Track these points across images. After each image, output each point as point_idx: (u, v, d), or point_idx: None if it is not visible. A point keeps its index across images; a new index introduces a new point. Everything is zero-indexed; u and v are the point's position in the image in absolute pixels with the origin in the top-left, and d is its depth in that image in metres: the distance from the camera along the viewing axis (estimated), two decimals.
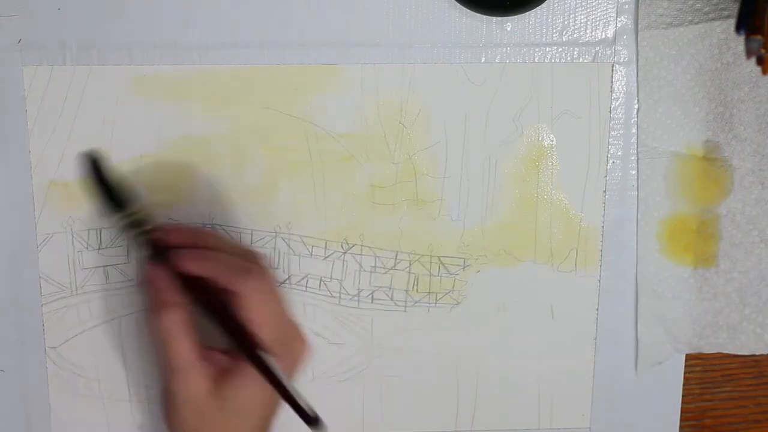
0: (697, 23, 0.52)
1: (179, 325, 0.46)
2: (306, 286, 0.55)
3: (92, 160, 0.50)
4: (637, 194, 0.55)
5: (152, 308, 0.47)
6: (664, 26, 0.52)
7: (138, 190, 0.53)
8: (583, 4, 0.53)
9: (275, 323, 0.47)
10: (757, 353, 0.57)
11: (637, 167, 0.54)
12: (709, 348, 0.57)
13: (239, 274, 0.46)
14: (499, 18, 0.52)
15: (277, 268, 0.54)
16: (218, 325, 0.47)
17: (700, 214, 0.55)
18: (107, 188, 0.50)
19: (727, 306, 0.56)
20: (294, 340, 0.49)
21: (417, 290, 0.55)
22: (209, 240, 0.49)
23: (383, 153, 0.53)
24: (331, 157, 0.53)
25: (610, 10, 0.53)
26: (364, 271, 0.55)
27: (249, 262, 0.47)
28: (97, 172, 0.50)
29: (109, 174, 0.50)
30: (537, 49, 0.53)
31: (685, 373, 0.58)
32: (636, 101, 0.54)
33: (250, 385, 0.46)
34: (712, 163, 0.54)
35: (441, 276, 0.55)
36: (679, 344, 0.56)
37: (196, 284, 0.47)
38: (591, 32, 0.53)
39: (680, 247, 0.55)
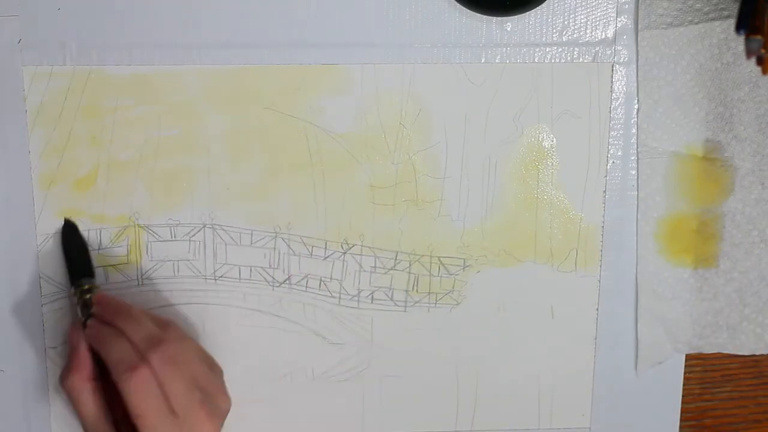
0: (697, 23, 0.52)
1: (83, 390, 0.48)
2: (306, 287, 0.55)
3: (67, 227, 0.53)
4: (637, 194, 0.55)
5: (61, 372, 0.50)
6: (664, 26, 0.52)
7: (138, 189, 0.53)
8: (583, 4, 0.53)
9: (162, 411, 0.46)
10: (757, 353, 0.57)
11: (637, 167, 0.54)
12: (709, 348, 0.57)
13: (122, 372, 0.46)
14: (499, 18, 0.52)
15: (277, 268, 0.54)
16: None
17: (700, 214, 0.55)
18: (73, 256, 0.53)
19: (727, 306, 0.56)
20: (215, 400, 0.49)
21: (417, 290, 0.55)
22: (125, 323, 0.49)
23: (383, 153, 0.53)
24: (331, 157, 0.53)
25: (610, 10, 0.53)
26: (364, 271, 0.55)
27: (140, 348, 0.47)
28: (69, 239, 0.53)
29: (77, 244, 0.53)
30: (537, 49, 0.53)
31: (685, 373, 0.58)
32: (636, 101, 0.54)
33: None
34: (712, 163, 0.54)
35: (441, 276, 0.55)
36: (679, 344, 0.56)
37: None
38: (591, 32, 0.53)
39: (680, 248, 0.55)
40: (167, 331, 0.49)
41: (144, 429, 0.46)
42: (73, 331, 0.50)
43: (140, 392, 0.46)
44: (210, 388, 0.49)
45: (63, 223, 0.53)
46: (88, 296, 0.51)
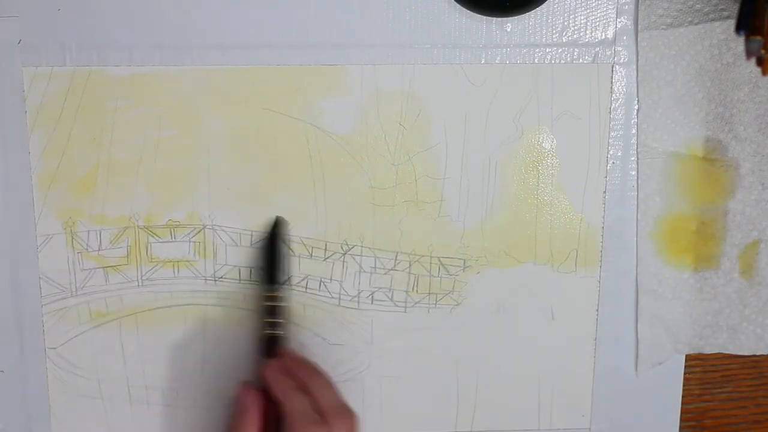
0: (696, 24, 0.52)
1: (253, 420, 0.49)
2: (306, 287, 0.55)
3: (275, 229, 0.53)
4: (637, 195, 0.55)
5: (233, 408, 0.50)
6: (664, 27, 0.52)
7: (138, 190, 0.53)
8: (583, 4, 0.53)
9: None
10: (758, 354, 0.57)
11: (637, 168, 0.54)
12: (710, 348, 0.57)
13: (303, 425, 0.46)
14: (499, 18, 0.52)
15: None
16: None
17: (700, 214, 0.55)
18: (273, 259, 0.53)
19: (727, 306, 0.56)
20: None
21: (417, 291, 0.55)
22: (312, 381, 0.50)
23: (383, 154, 0.53)
24: (331, 158, 0.53)
25: (610, 11, 0.53)
26: (364, 272, 0.55)
27: (329, 414, 0.47)
28: (273, 240, 0.53)
29: (280, 247, 0.53)
30: (537, 50, 0.53)
31: (685, 373, 0.58)
32: (636, 102, 0.54)
33: None
34: (712, 163, 0.54)
35: (441, 277, 0.55)
36: (679, 345, 0.56)
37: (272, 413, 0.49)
38: (591, 33, 0.53)
39: (680, 248, 0.55)
40: (350, 410, 0.49)
41: None
42: (248, 391, 0.50)
43: None
44: None
45: (274, 221, 0.53)
46: (274, 303, 0.52)
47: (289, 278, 0.54)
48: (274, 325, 0.52)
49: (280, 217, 0.53)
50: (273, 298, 0.52)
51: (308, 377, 0.50)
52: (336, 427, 0.47)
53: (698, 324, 0.56)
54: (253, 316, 0.54)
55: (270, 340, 0.52)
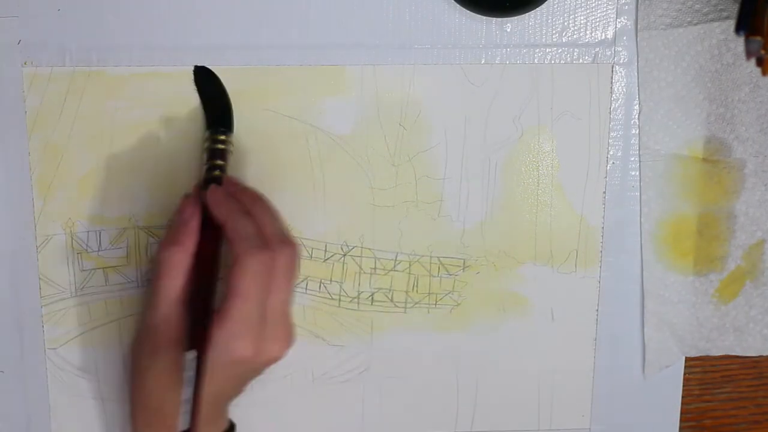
0: (696, 24, 0.52)
1: (177, 264, 0.47)
2: (306, 289, 0.55)
3: (203, 72, 0.51)
4: (640, 197, 0.54)
5: (169, 239, 0.48)
6: (663, 27, 0.52)
7: (138, 190, 0.53)
8: (583, 4, 0.53)
9: (260, 307, 0.46)
10: (765, 354, 0.57)
11: (639, 169, 0.54)
12: (716, 351, 0.57)
13: (248, 248, 0.45)
14: (499, 19, 0.52)
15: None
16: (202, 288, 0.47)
17: (703, 216, 0.55)
18: (217, 105, 0.51)
19: (733, 308, 0.56)
20: (272, 335, 0.47)
21: (417, 291, 0.55)
22: (255, 208, 0.49)
23: (383, 154, 0.53)
24: (331, 158, 0.53)
25: (609, 11, 0.53)
26: (364, 272, 0.55)
27: (273, 240, 0.47)
28: (206, 85, 0.51)
29: (218, 92, 0.51)
30: (537, 50, 0.53)
31: (685, 374, 0.58)
32: (636, 102, 0.54)
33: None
34: (714, 164, 0.54)
35: (441, 277, 0.55)
36: (686, 347, 0.56)
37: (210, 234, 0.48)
38: (591, 33, 0.53)
39: (684, 250, 0.55)
40: (292, 238, 0.48)
41: (234, 312, 0.45)
42: (189, 202, 0.49)
43: (254, 275, 0.45)
44: (291, 316, 0.48)
45: (194, 69, 0.52)
46: (219, 146, 0.50)
47: (231, 124, 0.52)
48: (217, 168, 0.50)
49: (198, 66, 0.52)
50: (216, 141, 0.51)
51: (252, 203, 0.49)
52: (279, 253, 0.46)
53: (704, 326, 0.56)
54: (198, 162, 0.52)
55: (213, 180, 0.50)
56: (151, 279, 0.48)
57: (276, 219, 0.49)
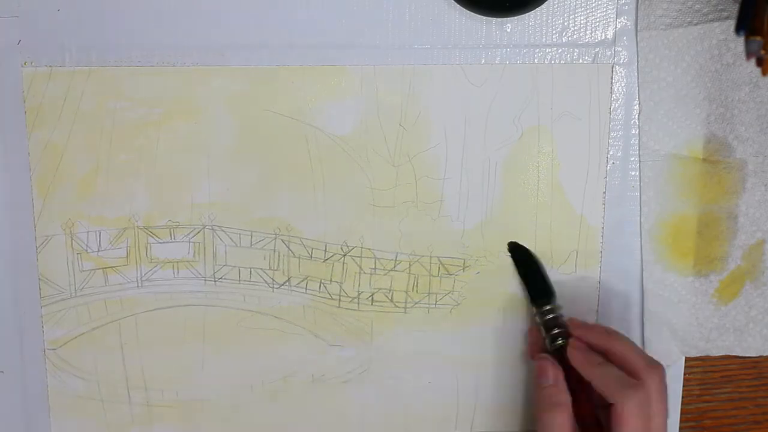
0: (696, 24, 0.52)
1: (566, 427, 0.48)
2: (306, 288, 0.55)
3: (519, 249, 0.54)
4: (640, 197, 0.54)
5: (542, 405, 0.49)
6: (663, 27, 0.52)
7: (138, 190, 0.53)
8: (583, 5, 0.53)
9: None
10: (765, 354, 0.57)
11: (639, 170, 0.54)
12: (716, 351, 0.57)
13: (621, 390, 0.47)
14: (499, 19, 0.52)
15: (277, 270, 0.54)
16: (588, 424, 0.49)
17: (703, 216, 0.55)
18: (534, 278, 0.54)
19: (733, 308, 0.56)
20: None
21: (417, 291, 0.55)
22: (611, 343, 0.50)
23: (383, 155, 0.53)
24: (331, 159, 0.53)
25: (609, 11, 0.53)
26: (364, 273, 0.55)
27: (637, 376, 0.48)
28: (526, 260, 0.54)
29: (537, 264, 0.54)
30: (537, 50, 0.53)
31: (684, 374, 0.58)
32: (636, 102, 0.54)
33: None
34: (714, 164, 0.54)
35: (441, 277, 0.55)
36: (686, 348, 0.56)
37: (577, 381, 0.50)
38: (591, 33, 0.53)
39: (684, 250, 0.55)
40: (656, 361, 0.49)
41: None
42: (548, 365, 0.51)
43: (635, 413, 0.46)
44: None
45: (510, 247, 0.55)
46: (549, 317, 0.53)
47: (552, 292, 0.54)
48: (559, 337, 0.52)
49: (513, 243, 0.55)
50: (547, 313, 0.53)
51: (604, 338, 0.50)
52: (650, 381, 0.47)
53: (704, 327, 0.56)
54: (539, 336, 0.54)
55: (560, 349, 0.52)
56: None
57: (631, 344, 0.50)
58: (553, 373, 0.50)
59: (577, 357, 0.50)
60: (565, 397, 0.49)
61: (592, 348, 0.50)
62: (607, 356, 0.50)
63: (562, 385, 0.50)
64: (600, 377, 0.48)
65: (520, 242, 0.55)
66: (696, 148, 0.54)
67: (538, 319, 0.53)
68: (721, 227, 0.55)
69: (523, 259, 0.55)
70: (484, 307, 0.56)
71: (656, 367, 0.48)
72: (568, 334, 0.52)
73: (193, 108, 0.52)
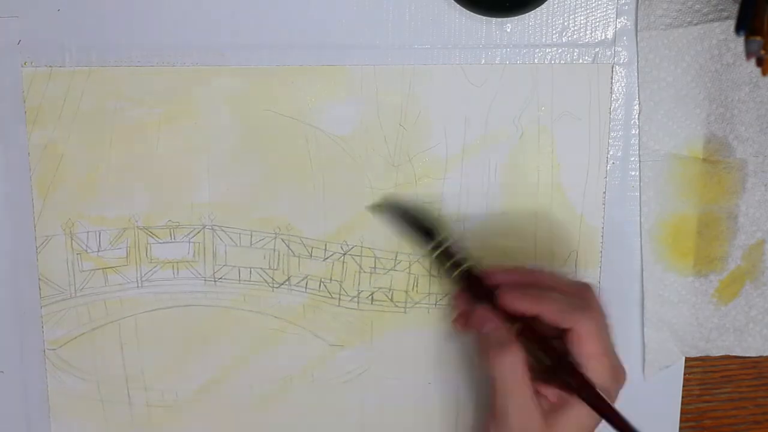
0: (696, 24, 0.52)
1: (517, 366, 0.46)
2: (306, 288, 0.55)
3: (391, 204, 0.53)
4: (640, 197, 0.54)
5: (488, 349, 0.47)
6: (663, 27, 0.52)
7: (138, 190, 0.53)
8: (583, 5, 0.53)
9: (605, 358, 0.47)
10: (765, 354, 0.57)
11: (639, 170, 0.54)
12: (716, 351, 0.57)
13: (573, 312, 0.46)
14: (499, 19, 0.52)
15: (277, 269, 0.54)
16: (546, 360, 0.47)
17: (703, 216, 0.55)
18: (412, 221, 0.52)
19: (733, 308, 0.56)
20: (617, 371, 0.48)
21: (417, 291, 0.55)
22: (536, 277, 0.50)
23: (383, 155, 0.53)
24: (331, 158, 0.53)
25: (609, 11, 0.53)
26: (364, 272, 0.55)
27: (579, 298, 0.48)
28: (398, 210, 0.53)
29: (410, 207, 0.53)
30: (537, 50, 0.53)
31: (685, 374, 0.58)
32: (636, 102, 0.54)
33: (580, 416, 0.47)
34: (714, 164, 0.54)
35: (441, 277, 0.55)
36: (686, 348, 0.56)
37: (522, 322, 0.48)
38: (591, 33, 0.53)
39: (684, 250, 0.55)
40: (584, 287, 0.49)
41: (591, 370, 0.46)
42: (487, 311, 0.48)
43: (595, 330, 0.46)
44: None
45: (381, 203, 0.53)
46: (444, 248, 0.51)
47: (441, 231, 0.52)
48: (461, 262, 0.51)
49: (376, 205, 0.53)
50: (438, 247, 0.51)
51: (530, 276, 0.50)
52: (592, 296, 0.48)
53: (704, 327, 0.56)
54: (438, 276, 0.53)
55: (470, 272, 0.50)
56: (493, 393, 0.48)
57: (555, 273, 0.50)
58: (494, 317, 0.48)
59: (514, 297, 0.48)
60: (510, 336, 0.47)
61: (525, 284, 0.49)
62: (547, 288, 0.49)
63: (504, 326, 0.48)
64: (549, 306, 0.47)
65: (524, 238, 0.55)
66: (696, 148, 0.54)
67: (435, 256, 0.51)
68: (721, 227, 0.55)
69: (395, 214, 0.53)
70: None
71: (587, 286, 0.48)
72: (466, 260, 0.51)
73: (193, 108, 0.52)
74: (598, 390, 0.46)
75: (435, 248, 0.51)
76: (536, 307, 0.47)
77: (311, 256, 0.54)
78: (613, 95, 0.54)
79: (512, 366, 0.46)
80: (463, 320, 0.51)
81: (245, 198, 0.53)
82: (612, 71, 0.53)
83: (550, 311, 0.47)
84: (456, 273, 0.51)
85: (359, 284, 0.55)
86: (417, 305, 0.55)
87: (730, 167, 0.54)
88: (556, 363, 0.47)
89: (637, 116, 0.54)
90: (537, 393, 0.47)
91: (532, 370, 0.47)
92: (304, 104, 0.52)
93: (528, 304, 0.47)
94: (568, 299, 0.47)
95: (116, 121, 0.52)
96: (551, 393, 0.47)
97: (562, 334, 0.47)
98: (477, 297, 0.50)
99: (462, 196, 0.54)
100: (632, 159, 0.54)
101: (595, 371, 0.46)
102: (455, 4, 0.52)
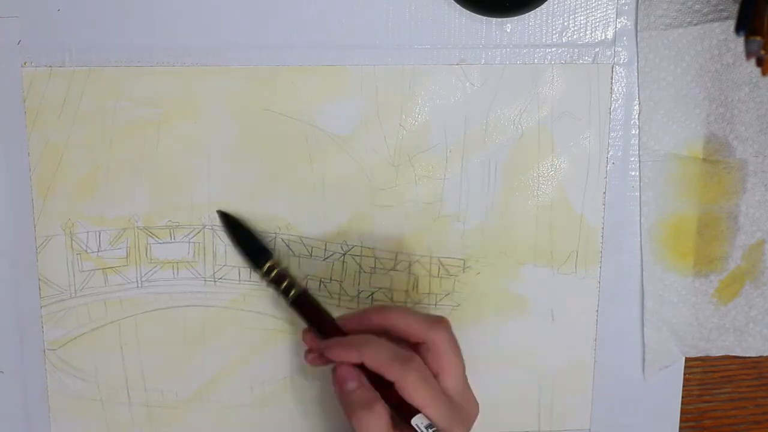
0: (696, 24, 0.52)
1: (382, 425, 0.46)
2: (306, 287, 0.55)
3: (225, 216, 0.53)
4: (639, 197, 0.54)
5: (353, 409, 0.46)
6: (663, 27, 0.52)
7: (138, 190, 0.53)
8: (583, 5, 0.53)
9: (437, 404, 0.46)
10: (765, 354, 0.57)
11: (639, 170, 0.54)
12: (716, 351, 0.57)
13: (393, 364, 0.46)
14: (499, 19, 0.52)
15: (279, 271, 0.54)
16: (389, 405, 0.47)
17: (703, 216, 0.55)
18: (243, 243, 0.53)
19: (733, 308, 0.56)
20: (468, 404, 0.48)
21: (417, 291, 0.55)
22: (389, 318, 0.49)
23: (383, 155, 0.53)
24: (331, 158, 0.53)
25: (609, 12, 0.53)
26: (364, 272, 0.55)
27: (422, 335, 0.47)
28: (232, 227, 0.53)
29: (243, 229, 0.53)
30: (537, 50, 0.53)
31: (685, 374, 0.58)
32: (636, 102, 0.54)
33: None
34: (714, 164, 0.54)
35: (441, 277, 0.55)
36: (686, 348, 0.56)
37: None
38: (591, 33, 0.53)
39: (684, 251, 0.55)
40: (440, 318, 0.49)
41: (432, 415, 0.46)
42: (345, 368, 0.47)
43: (420, 384, 0.45)
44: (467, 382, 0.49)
45: (218, 215, 0.53)
46: (275, 272, 0.51)
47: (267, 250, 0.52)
48: (290, 288, 0.51)
49: (218, 211, 0.53)
50: (270, 271, 0.51)
51: (380, 318, 0.49)
52: (434, 338, 0.47)
53: (704, 327, 0.56)
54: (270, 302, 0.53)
55: (301, 296, 0.51)
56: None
57: (407, 311, 0.49)
58: (356, 375, 0.47)
59: (337, 351, 0.47)
60: (373, 393, 0.46)
61: (373, 331, 0.48)
62: (390, 334, 0.48)
63: (367, 383, 0.47)
64: (371, 359, 0.46)
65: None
66: (696, 148, 0.54)
67: (266, 280, 0.51)
68: (721, 227, 0.55)
69: (233, 227, 0.53)
70: (485, 308, 0.56)
71: (439, 323, 0.48)
72: (299, 285, 0.51)
73: (192, 108, 0.52)
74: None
75: (267, 272, 0.51)
76: (358, 357, 0.47)
77: (311, 256, 0.54)
78: (613, 95, 0.54)
79: (378, 426, 0.46)
80: (313, 357, 0.50)
81: (245, 198, 0.53)
82: (612, 71, 0.53)
83: (373, 364, 0.46)
84: (290, 297, 0.51)
85: (359, 284, 0.55)
86: (417, 305, 0.55)
87: (730, 167, 0.55)
88: (399, 410, 0.47)
89: (637, 116, 0.54)
90: None
91: (393, 417, 0.46)
92: (304, 104, 0.52)
93: (349, 356, 0.47)
94: (393, 350, 0.46)
95: (116, 121, 0.52)
96: None
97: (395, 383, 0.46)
98: (313, 325, 0.50)
99: (462, 196, 0.54)
100: (632, 159, 0.54)
101: (432, 417, 0.46)
102: (455, 4, 0.52)
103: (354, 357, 0.47)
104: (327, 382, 0.56)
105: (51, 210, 0.53)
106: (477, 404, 0.49)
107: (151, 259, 0.54)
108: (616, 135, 0.54)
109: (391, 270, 0.55)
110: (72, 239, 0.53)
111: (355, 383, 0.47)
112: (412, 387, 0.45)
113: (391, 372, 0.46)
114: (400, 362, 0.46)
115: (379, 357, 0.46)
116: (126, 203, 0.53)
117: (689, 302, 0.56)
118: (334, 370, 0.48)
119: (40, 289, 0.54)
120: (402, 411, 0.46)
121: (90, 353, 0.55)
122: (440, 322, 0.48)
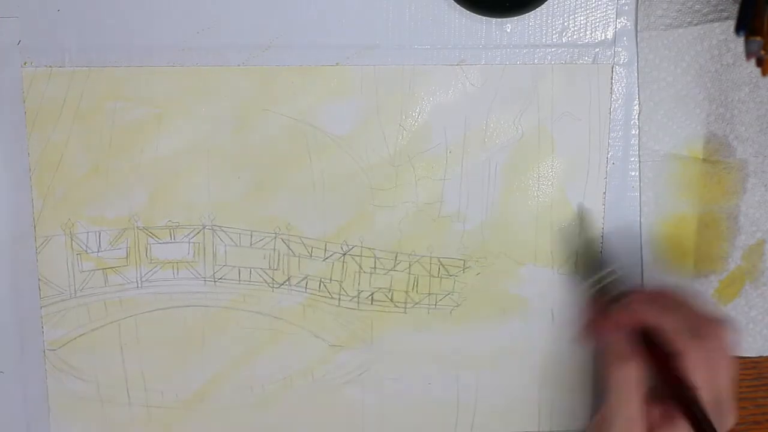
0: (696, 24, 0.52)
1: (633, 380, 0.47)
2: (306, 288, 0.55)
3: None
4: (640, 197, 0.54)
5: (610, 359, 0.48)
6: (663, 27, 0.52)
7: (138, 190, 0.53)
8: (583, 5, 0.53)
9: (707, 392, 0.46)
10: (765, 354, 0.57)
11: (639, 170, 0.54)
12: None
13: (687, 337, 0.46)
14: (499, 19, 0.52)
15: (277, 269, 0.54)
16: (660, 378, 0.48)
17: (702, 216, 0.55)
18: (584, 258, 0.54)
19: (733, 308, 0.56)
20: (726, 412, 0.48)
21: (417, 291, 0.55)
22: (672, 296, 0.50)
23: (383, 155, 0.53)
24: (331, 158, 0.53)
25: (609, 12, 0.53)
26: (364, 272, 0.55)
27: (703, 326, 0.47)
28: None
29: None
30: (537, 51, 0.53)
31: None
32: (636, 102, 0.54)
33: None
34: (714, 164, 0.54)
35: (441, 277, 0.55)
36: None
37: (645, 335, 0.48)
38: (591, 33, 0.53)
39: (684, 250, 0.55)
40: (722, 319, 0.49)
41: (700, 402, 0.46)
42: (615, 318, 0.49)
43: (702, 365, 0.46)
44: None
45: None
46: (608, 281, 0.53)
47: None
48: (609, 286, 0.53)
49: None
50: (604, 278, 0.53)
51: (669, 301, 0.50)
52: (713, 336, 0.47)
53: None
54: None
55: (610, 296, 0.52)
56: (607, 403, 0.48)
57: (697, 302, 0.49)
58: (619, 330, 0.49)
59: (641, 304, 0.49)
60: (630, 348, 0.48)
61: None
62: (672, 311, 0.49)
63: (627, 340, 0.48)
64: (669, 323, 0.47)
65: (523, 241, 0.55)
66: (696, 148, 0.54)
67: (594, 289, 0.53)
68: (721, 227, 0.55)
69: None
70: (485, 309, 0.56)
71: (719, 323, 0.48)
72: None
73: (192, 108, 0.52)
74: (701, 414, 0.46)
75: (593, 284, 0.53)
76: (658, 320, 0.48)
77: (311, 256, 0.54)
78: (613, 95, 0.54)
79: (628, 380, 0.47)
80: (591, 328, 0.52)
81: (245, 198, 0.53)
82: (612, 71, 0.53)
83: (668, 327, 0.47)
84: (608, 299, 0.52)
85: (359, 284, 0.55)
86: (417, 305, 0.55)
87: (730, 167, 0.55)
88: (668, 382, 0.47)
89: (637, 116, 0.54)
90: (646, 406, 0.47)
91: (645, 384, 0.47)
92: (304, 104, 0.53)
93: (650, 315, 0.48)
94: (690, 323, 0.47)
95: (116, 121, 0.52)
96: (656, 414, 0.47)
97: (678, 355, 0.47)
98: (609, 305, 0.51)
99: (462, 196, 0.54)
100: (632, 159, 0.54)
101: (702, 402, 0.46)
102: (455, 4, 0.52)
103: (654, 318, 0.48)
104: (327, 382, 0.56)
105: (51, 210, 0.53)
106: (735, 416, 0.49)
107: (151, 260, 0.54)
108: (616, 135, 0.54)
109: (391, 270, 0.55)
110: (72, 239, 0.53)
111: (617, 336, 0.48)
112: (694, 364, 0.46)
113: (682, 343, 0.46)
114: (691, 336, 0.46)
115: (677, 324, 0.47)
116: (126, 203, 0.53)
117: None
118: (588, 325, 0.52)
119: (40, 289, 0.54)
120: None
121: (90, 353, 0.55)
122: (720, 321, 0.48)
